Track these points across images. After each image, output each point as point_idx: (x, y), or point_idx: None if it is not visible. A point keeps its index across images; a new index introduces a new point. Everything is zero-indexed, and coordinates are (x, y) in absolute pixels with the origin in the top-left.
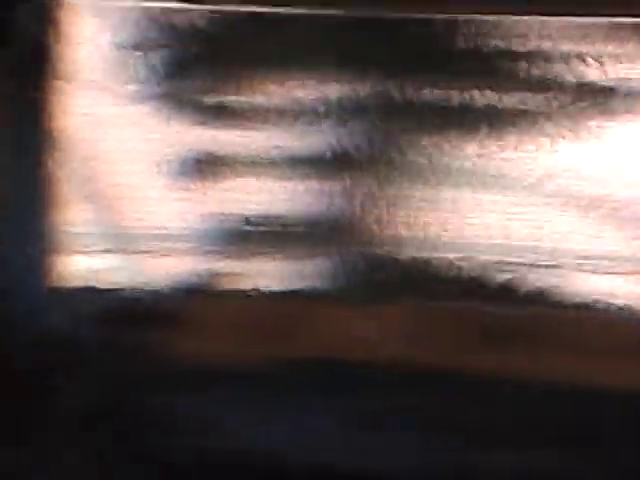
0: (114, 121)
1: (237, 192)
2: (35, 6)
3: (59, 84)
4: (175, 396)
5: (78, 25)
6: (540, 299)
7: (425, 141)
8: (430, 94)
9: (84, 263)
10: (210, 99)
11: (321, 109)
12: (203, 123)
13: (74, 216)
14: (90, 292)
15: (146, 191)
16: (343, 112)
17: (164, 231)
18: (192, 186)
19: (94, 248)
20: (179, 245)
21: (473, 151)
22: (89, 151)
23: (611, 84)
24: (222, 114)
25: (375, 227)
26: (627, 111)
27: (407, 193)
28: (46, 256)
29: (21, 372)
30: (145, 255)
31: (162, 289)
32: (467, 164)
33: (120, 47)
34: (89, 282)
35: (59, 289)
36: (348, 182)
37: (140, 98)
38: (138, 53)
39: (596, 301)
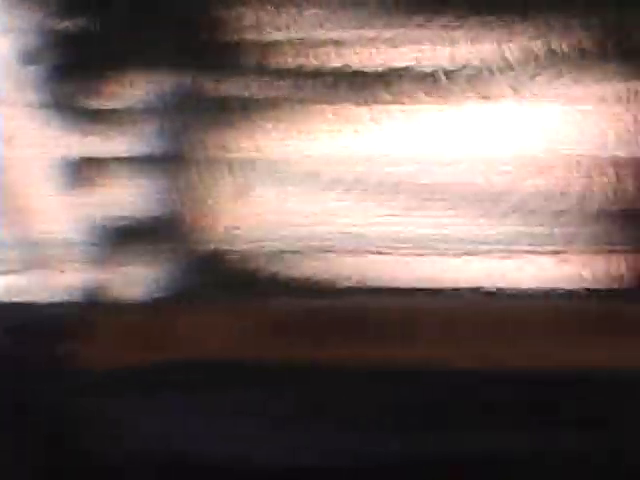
0: (18, 131)
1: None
2: None
3: None
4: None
5: None
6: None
7: (213, 135)
8: (214, 88)
9: None
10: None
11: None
12: (81, 127)
13: None
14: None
15: (37, 200)
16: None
17: (51, 240)
18: (71, 193)
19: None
20: (64, 255)
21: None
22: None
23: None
24: (93, 117)
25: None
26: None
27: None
28: None
29: None
30: (41, 266)
31: (54, 303)
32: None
33: (18, 58)
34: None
35: None
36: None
37: (27, 106)
38: (31, 63)
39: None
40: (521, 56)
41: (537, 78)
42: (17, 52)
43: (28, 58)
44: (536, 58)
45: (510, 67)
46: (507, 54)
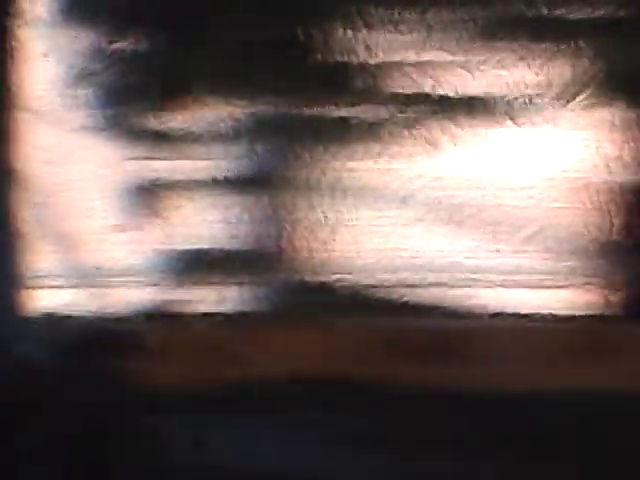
0: (67, 153)
1: (181, 223)
2: None
3: (19, 118)
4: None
5: (31, 58)
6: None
7: (314, 157)
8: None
9: (48, 297)
10: (147, 125)
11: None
12: (145, 151)
13: (37, 252)
14: (54, 323)
15: (100, 225)
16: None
17: (119, 264)
18: (140, 219)
19: (56, 283)
20: (134, 278)
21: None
22: (47, 186)
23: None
24: (160, 140)
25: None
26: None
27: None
28: (12, 290)
29: None
30: (104, 288)
31: (122, 319)
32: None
33: (68, 77)
34: (53, 314)
35: (24, 321)
36: (271, 204)
37: (89, 129)
38: (85, 83)
39: (500, 313)
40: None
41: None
42: (68, 74)
43: (81, 80)
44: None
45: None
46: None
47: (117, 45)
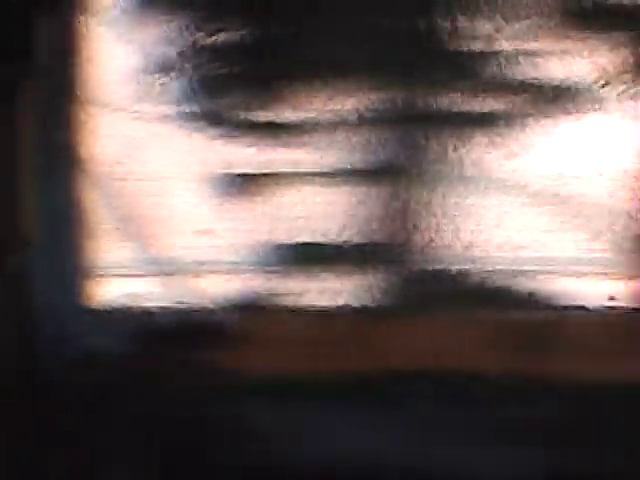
0: (148, 143)
1: (282, 210)
2: (59, 30)
3: (89, 108)
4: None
5: (104, 48)
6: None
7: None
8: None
9: (122, 286)
10: (243, 116)
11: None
12: (236, 140)
13: (110, 241)
14: (129, 313)
15: (187, 212)
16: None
17: (212, 252)
18: (233, 206)
19: (132, 272)
20: (229, 266)
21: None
22: (123, 175)
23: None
24: (255, 130)
25: (418, 241)
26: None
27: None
28: (83, 279)
29: (64, 391)
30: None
31: (216, 308)
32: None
33: (148, 69)
34: (128, 304)
35: (96, 311)
36: (388, 194)
37: (170, 119)
38: (166, 74)
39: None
40: None
41: None
42: (148, 63)
43: (163, 69)
44: None
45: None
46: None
47: (199, 35)
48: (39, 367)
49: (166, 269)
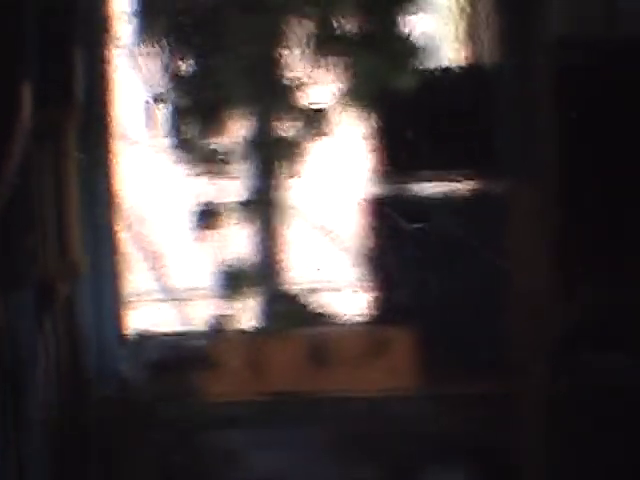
0: (153, 175)
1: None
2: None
3: (116, 144)
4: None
5: (124, 81)
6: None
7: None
8: None
9: (145, 314)
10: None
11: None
12: (207, 172)
13: (136, 272)
14: (150, 340)
15: (178, 245)
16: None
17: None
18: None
19: (151, 300)
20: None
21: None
22: (142, 210)
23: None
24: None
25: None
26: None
27: None
28: (117, 309)
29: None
30: (184, 304)
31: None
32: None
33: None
34: (150, 330)
35: (127, 338)
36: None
37: (168, 151)
38: (161, 106)
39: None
40: None
41: None
42: (148, 93)
43: (156, 99)
44: None
45: None
46: None
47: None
48: (84, 392)
49: (170, 297)
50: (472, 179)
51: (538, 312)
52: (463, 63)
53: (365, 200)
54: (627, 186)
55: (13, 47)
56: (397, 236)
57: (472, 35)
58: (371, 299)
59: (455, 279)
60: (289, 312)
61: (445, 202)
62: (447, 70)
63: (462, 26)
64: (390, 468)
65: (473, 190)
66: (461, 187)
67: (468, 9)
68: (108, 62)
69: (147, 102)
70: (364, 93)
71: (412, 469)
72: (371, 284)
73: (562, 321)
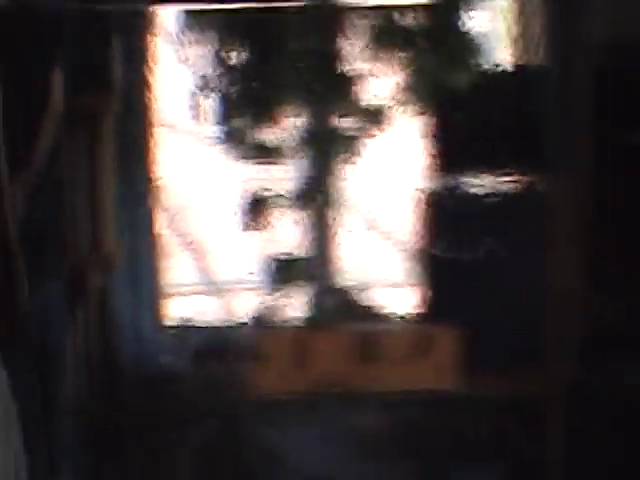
0: (195, 165)
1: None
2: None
3: (158, 131)
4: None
5: (167, 70)
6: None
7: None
8: None
9: (183, 306)
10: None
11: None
12: (259, 161)
13: (175, 263)
14: (188, 330)
15: (221, 236)
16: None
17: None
18: (254, 229)
19: (188, 292)
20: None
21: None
22: (183, 199)
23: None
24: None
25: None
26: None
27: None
28: (154, 300)
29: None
30: (228, 296)
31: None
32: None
33: (196, 91)
34: (187, 322)
35: (165, 329)
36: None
37: (214, 141)
38: (209, 95)
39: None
40: None
41: None
42: (194, 83)
43: (204, 89)
44: None
45: None
46: None
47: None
48: (119, 384)
49: (212, 288)
50: (518, 176)
51: (574, 311)
52: (512, 62)
53: (418, 197)
54: None
55: (47, 31)
56: (446, 234)
57: (521, 35)
58: (419, 296)
59: (500, 278)
60: (338, 307)
61: (492, 199)
62: (498, 69)
63: (512, 25)
64: (426, 466)
65: (518, 187)
66: (508, 184)
67: (518, 9)
68: (151, 49)
69: (194, 91)
70: (421, 89)
71: (445, 467)
72: (421, 281)
73: (595, 321)
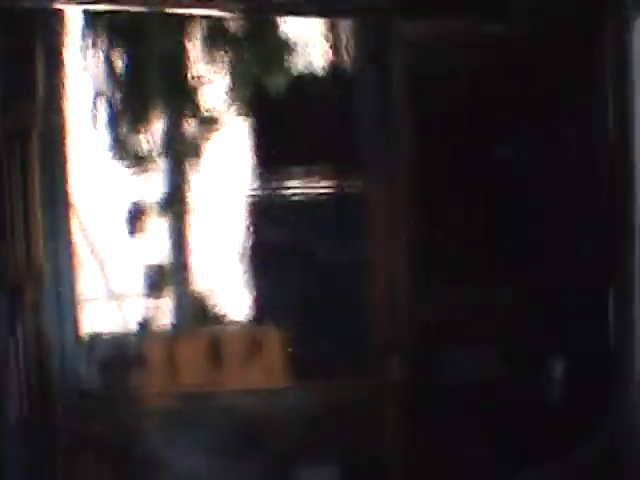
0: (96, 175)
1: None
2: None
3: (71, 145)
4: None
5: None
6: None
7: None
8: None
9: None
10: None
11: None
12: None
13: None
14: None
15: (115, 245)
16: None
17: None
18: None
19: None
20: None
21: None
22: (89, 211)
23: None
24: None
25: None
26: None
27: None
28: (75, 311)
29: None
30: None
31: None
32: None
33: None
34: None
35: (81, 339)
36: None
37: (106, 150)
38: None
39: None
40: None
41: None
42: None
43: (98, 97)
44: None
45: None
46: None
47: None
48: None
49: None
50: (336, 179)
51: (396, 312)
52: (327, 65)
53: (243, 201)
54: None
55: None
56: (267, 237)
57: (333, 38)
58: (250, 300)
59: (319, 279)
60: (193, 312)
61: (309, 202)
62: (313, 72)
63: (324, 31)
64: (266, 466)
65: (336, 190)
66: (325, 186)
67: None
68: (65, 65)
69: (93, 101)
70: (240, 92)
71: (284, 466)
72: (250, 285)
73: (417, 321)
